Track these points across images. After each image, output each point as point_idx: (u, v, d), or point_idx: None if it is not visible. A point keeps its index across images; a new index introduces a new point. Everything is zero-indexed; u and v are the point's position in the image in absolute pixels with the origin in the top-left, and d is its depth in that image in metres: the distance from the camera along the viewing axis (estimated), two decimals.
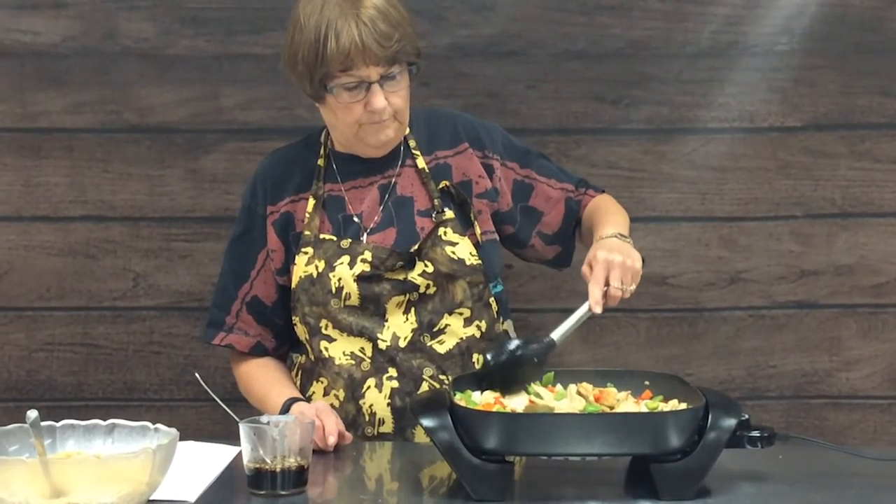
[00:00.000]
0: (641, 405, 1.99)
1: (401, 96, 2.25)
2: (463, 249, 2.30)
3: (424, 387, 2.27)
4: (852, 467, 2.03)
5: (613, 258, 2.10)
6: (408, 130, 2.37)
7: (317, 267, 2.30)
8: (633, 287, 2.09)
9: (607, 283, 2.07)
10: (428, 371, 2.28)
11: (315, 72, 2.21)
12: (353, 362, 2.29)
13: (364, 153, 2.34)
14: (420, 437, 2.27)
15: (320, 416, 2.14)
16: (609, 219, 2.28)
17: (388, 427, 2.27)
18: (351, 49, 2.17)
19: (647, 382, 2.06)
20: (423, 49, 2.33)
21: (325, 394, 2.32)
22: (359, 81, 2.20)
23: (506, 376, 2.04)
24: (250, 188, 2.41)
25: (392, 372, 2.28)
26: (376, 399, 2.27)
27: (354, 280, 2.27)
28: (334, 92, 2.22)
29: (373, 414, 2.28)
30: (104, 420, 1.90)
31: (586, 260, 2.14)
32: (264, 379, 2.37)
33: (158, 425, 1.89)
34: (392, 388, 2.27)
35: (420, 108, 2.46)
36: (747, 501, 1.87)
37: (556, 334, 2.07)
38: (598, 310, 2.05)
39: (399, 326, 2.28)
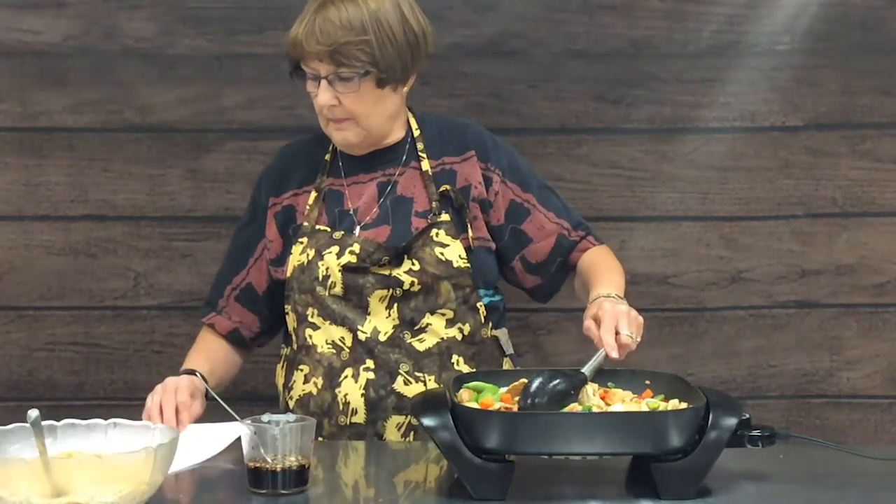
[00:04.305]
0: (642, 404, 1.98)
1: (354, 100, 2.28)
2: (452, 252, 2.32)
3: (399, 381, 2.29)
4: (853, 467, 2.03)
5: (620, 308, 2.11)
6: (417, 133, 2.41)
7: (308, 255, 2.34)
8: (639, 339, 2.09)
9: (617, 333, 2.07)
10: (405, 367, 2.30)
11: (287, 53, 2.32)
12: (333, 351, 2.32)
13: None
14: (391, 431, 2.30)
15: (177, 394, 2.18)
16: (608, 277, 2.29)
17: (360, 417, 2.29)
18: (294, 38, 2.27)
19: (647, 382, 2.06)
20: None
21: (305, 381, 2.34)
22: (314, 74, 2.28)
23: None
24: (258, 179, 2.48)
25: (369, 363, 2.30)
26: (351, 389, 2.29)
27: (340, 269, 2.30)
28: (301, 79, 2.31)
29: (346, 403, 2.30)
30: (105, 419, 1.90)
31: (588, 315, 2.13)
32: (194, 348, 2.42)
33: (159, 424, 1.89)
34: (368, 380, 2.29)
35: (435, 114, 2.52)
36: (748, 501, 1.87)
37: (587, 370, 2.02)
38: (615, 355, 2.04)
39: (380, 321, 2.31)
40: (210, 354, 2.41)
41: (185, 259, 2.88)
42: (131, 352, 2.90)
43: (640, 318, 2.12)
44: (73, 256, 2.88)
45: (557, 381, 1.98)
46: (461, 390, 2.02)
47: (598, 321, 2.09)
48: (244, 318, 2.45)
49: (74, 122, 2.84)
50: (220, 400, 2.05)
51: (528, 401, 1.95)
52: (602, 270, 2.33)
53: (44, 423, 1.81)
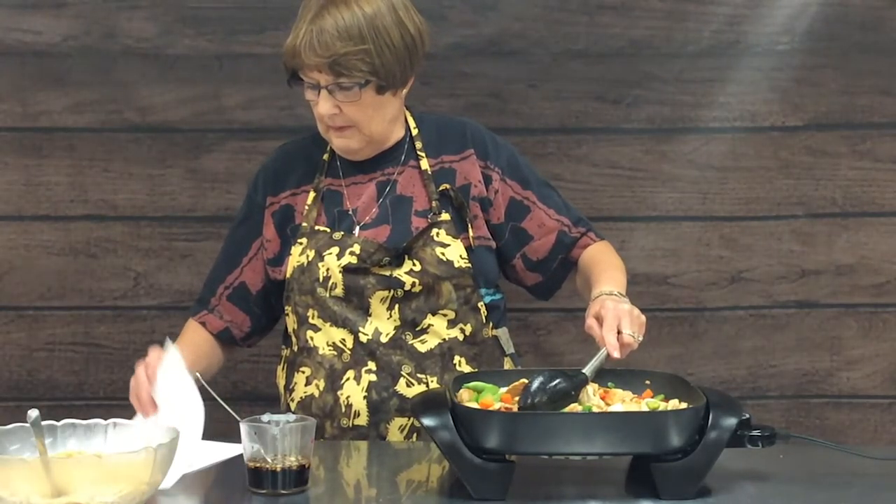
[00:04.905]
0: (642, 404, 1.98)
1: (355, 108, 2.27)
2: (453, 252, 2.31)
3: (401, 383, 2.29)
4: (853, 467, 2.03)
5: (622, 307, 2.10)
6: (416, 132, 2.40)
7: (308, 256, 2.33)
8: (641, 338, 2.09)
9: (619, 332, 2.07)
10: (406, 368, 2.29)
11: (285, 63, 2.29)
12: (334, 353, 2.31)
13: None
14: (394, 433, 2.29)
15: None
16: (609, 274, 2.28)
17: (362, 420, 2.29)
18: (292, 48, 2.25)
19: (647, 382, 2.06)
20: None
21: (307, 383, 2.34)
22: (313, 84, 2.26)
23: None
24: (254, 178, 2.47)
25: (371, 365, 2.30)
26: (353, 391, 2.29)
27: (340, 271, 2.30)
28: (301, 88, 2.29)
29: (349, 406, 2.29)
30: (105, 419, 1.90)
31: (590, 313, 2.12)
32: (178, 340, 2.38)
33: (159, 424, 1.89)
34: (370, 382, 2.29)
35: (433, 113, 2.52)
36: (748, 501, 1.87)
37: (588, 370, 2.03)
38: (616, 354, 2.03)
39: (382, 322, 2.31)
40: (194, 347, 2.37)
41: (185, 259, 2.89)
42: (131, 352, 2.90)
43: (643, 317, 2.12)
44: (73, 256, 2.88)
45: (558, 381, 1.98)
46: (461, 390, 2.02)
47: (599, 320, 2.09)
48: (235, 318, 2.44)
49: (74, 122, 2.84)
50: (220, 399, 2.05)
51: (529, 401, 1.94)
52: (604, 268, 2.32)
53: (44, 423, 1.81)
